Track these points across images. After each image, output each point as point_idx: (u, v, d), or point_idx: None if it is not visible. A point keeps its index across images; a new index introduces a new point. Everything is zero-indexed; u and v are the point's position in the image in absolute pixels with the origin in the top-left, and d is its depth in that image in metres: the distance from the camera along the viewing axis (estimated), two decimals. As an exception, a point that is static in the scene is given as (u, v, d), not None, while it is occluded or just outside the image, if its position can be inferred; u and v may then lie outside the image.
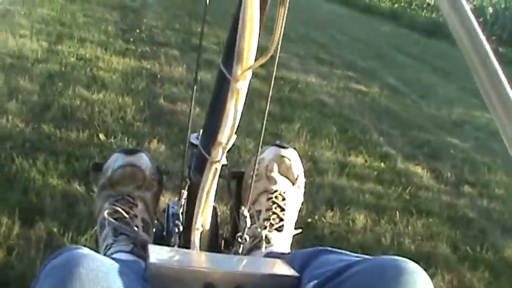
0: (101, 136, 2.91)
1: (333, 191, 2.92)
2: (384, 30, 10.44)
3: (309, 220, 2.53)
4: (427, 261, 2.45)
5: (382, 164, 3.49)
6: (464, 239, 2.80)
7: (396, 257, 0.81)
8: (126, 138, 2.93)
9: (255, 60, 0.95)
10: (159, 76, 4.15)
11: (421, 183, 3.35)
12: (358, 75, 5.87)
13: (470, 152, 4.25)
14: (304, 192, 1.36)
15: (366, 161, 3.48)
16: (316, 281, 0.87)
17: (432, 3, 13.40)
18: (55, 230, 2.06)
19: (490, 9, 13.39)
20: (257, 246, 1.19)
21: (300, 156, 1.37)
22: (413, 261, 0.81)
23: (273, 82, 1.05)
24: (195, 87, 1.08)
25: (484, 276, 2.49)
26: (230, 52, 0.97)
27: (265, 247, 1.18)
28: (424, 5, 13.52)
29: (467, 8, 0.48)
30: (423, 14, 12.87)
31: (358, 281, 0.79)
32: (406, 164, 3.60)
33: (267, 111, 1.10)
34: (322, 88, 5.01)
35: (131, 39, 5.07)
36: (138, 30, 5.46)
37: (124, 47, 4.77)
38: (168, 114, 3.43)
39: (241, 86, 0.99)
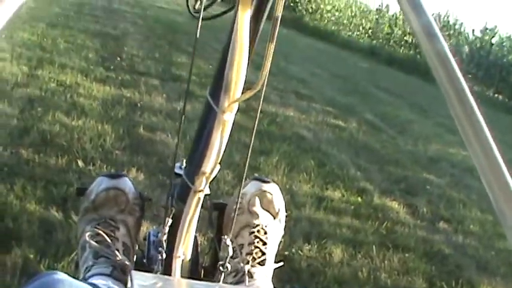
0: (80, 163, 2.91)
1: (310, 224, 2.94)
2: (362, 66, 10.58)
3: (286, 253, 2.54)
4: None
5: (359, 199, 3.51)
6: (440, 274, 2.83)
7: None
8: (105, 166, 2.93)
9: (242, 93, 0.97)
10: (139, 105, 4.15)
11: (397, 219, 3.38)
12: (336, 110, 5.93)
13: (446, 189, 4.30)
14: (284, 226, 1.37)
15: (343, 195, 3.50)
16: None
17: (410, 40, 13.59)
18: (31, 256, 2.05)
19: (466, 48, 13.63)
20: (240, 281, 1.19)
21: (281, 190, 1.38)
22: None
23: (258, 116, 1.07)
24: (183, 117, 1.09)
25: (459, 313, 2.51)
26: (218, 84, 0.98)
27: (248, 281, 1.19)
28: (402, 42, 13.71)
29: (445, 44, 0.50)
30: (401, 50, 13.05)
31: None
32: (382, 199, 3.63)
33: (251, 145, 1.11)
34: (301, 122, 5.05)
35: (112, 67, 5.08)
36: (118, 58, 5.48)
37: (104, 74, 4.78)
38: (147, 143, 3.43)
39: (227, 117, 1.00)
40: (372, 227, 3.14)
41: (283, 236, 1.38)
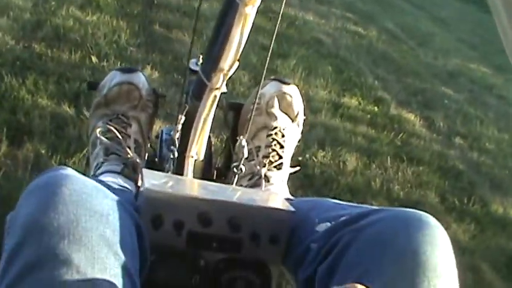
0: (93, 58, 2.84)
1: (326, 131, 2.90)
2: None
3: (300, 158, 2.51)
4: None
5: (375, 108, 3.46)
6: (453, 190, 2.81)
7: (417, 211, 0.80)
8: (118, 63, 2.86)
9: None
10: (155, 1, 4.04)
11: (413, 131, 3.34)
12: (356, 17, 5.78)
13: (464, 104, 4.23)
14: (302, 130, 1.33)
15: (359, 103, 3.45)
16: (329, 223, 0.84)
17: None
18: (43, 151, 2.02)
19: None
20: (256, 184, 1.16)
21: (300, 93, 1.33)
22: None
23: (280, 18, 1.01)
24: (199, 7, 1.02)
25: (470, 229, 2.50)
26: (241, -27, 0.92)
27: (265, 185, 1.15)
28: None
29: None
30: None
31: (381, 228, 0.77)
32: (399, 110, 3.58)
33: (271, 46, 1.06)
34: (320, 27, 4.93)
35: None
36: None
37: (121, -31, 4.63)
38: (163, 41, 3.35)
39: (249, 11, 0.94)
40: (387, 137, 3.10)
41: (298, 141, 1.34)
